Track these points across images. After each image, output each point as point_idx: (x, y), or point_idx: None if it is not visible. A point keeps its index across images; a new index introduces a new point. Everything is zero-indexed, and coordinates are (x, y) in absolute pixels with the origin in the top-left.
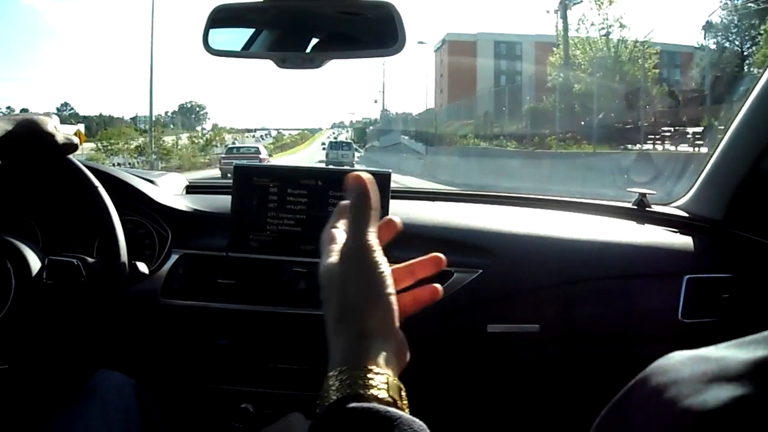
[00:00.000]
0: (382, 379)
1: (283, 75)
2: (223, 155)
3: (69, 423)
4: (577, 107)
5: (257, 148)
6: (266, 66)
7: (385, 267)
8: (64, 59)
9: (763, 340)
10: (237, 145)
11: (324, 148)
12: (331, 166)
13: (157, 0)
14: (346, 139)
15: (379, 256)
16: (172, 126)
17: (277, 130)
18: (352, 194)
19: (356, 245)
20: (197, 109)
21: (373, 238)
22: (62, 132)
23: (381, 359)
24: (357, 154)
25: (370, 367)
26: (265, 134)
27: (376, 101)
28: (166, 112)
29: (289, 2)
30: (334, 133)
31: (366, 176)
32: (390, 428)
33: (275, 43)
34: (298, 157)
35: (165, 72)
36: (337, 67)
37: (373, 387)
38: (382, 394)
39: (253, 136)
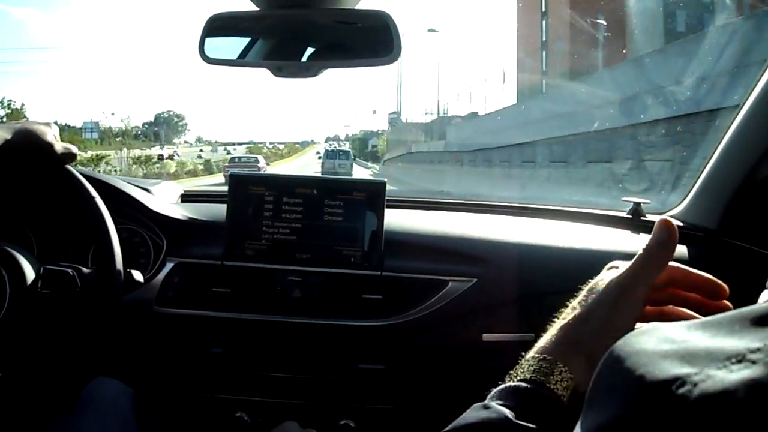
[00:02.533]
0: (566, 375)
1: (275, 88)
2: (227, 164)
3: (63, 428)
4: None
5: (256, 157)
6: (256, 77)
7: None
8: (16, 64)
9: (725, 322)
10: (238, 155)
11: (319, 157)
12: (327, 175)
13: (137, 5)
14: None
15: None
16: (143, 137)
17: (273, 143)
18: (656, 238)
19: (628, 281)
20: (175, 119)
21: (644, 284)
22: (61, 142)
23: (576, 368)
24: (368, 171)
25: (560, 365)
26: (230, 148)
27: (375, 112)
28: (144, 123)
29: (285, 11)
30: (330, 146)
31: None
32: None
33: (271, 52)
34: (283, 169)
35: (140, 78)
36: (330, 81)
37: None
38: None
39: (227, 149)
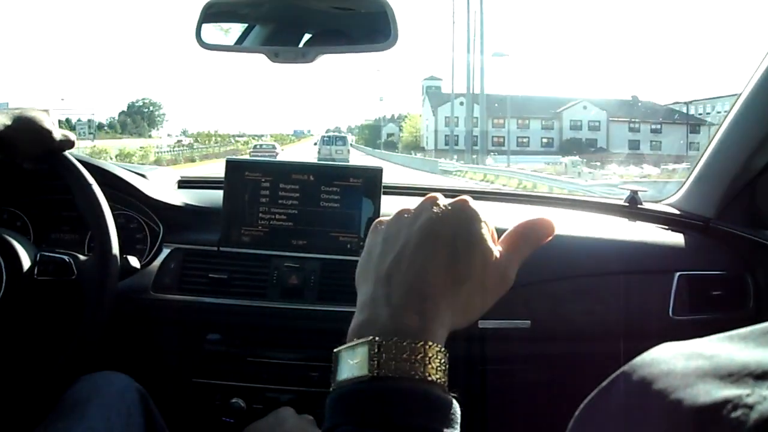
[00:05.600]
0: (441, 358)
1: (270, 77)
2: (251, 150)
3: (70, 424)
4: None
5: (273, 145)
6: (247, 64)
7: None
8: None
9: (752, 336)
10: (258, 143)
11: (316, 144)
12: (323, 162)
13: None
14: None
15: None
16: (106, 129)
17: (273, 135)
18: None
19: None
20: (150, 108)
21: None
22: (59, 129)
23: (440, 328)
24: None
25: (430, 343)
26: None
27: (381, 99)
28: (121, 113)
29: None
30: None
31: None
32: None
33: (268, 37)
34: None
35: (111, 61)
36: (328, 71)
37: (433, 368)
38: (442, 378)
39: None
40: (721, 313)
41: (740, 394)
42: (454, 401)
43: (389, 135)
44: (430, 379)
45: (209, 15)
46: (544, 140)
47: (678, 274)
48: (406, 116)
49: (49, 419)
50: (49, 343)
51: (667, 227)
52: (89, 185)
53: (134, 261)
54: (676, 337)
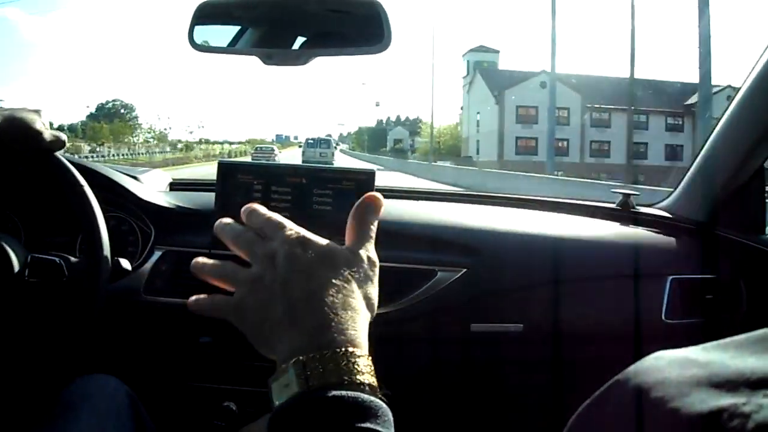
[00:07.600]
0: (365, 361)
1: (249, 76)
2: (253, 152)
3: (60, 427)
4: None
5: (272, 148)
6: (235, 68)
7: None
8: None
9: (747, 344)
10: (259, 146)
11: (299, 146)
12: (315, 164)
13: None
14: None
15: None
16: (67, 131)
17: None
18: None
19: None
20: (122, 110)
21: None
22: (50, 129)
23: (359, 336)
24: None
25: (351, 349)
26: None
27: (378, 104)
28: (89, 115)
29: None
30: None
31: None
32: (380, 421)
33: (261, 39)
34: None
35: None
36: (320, 79)
37: (358, 372)
38: (369, 379)
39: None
40: (713, 317)
41: (736, 403)
42: (383, 403)
43: (397, 141)
44: (358, 382)
45: (202, 16)
46: (669, 148)
47: (670, 277)
48: (418, 120)
49: (38, 422)
50: (39, 346)
51: (659, 231)
52: (80, 187)
53: (125, 263)
54: (668, 341)
